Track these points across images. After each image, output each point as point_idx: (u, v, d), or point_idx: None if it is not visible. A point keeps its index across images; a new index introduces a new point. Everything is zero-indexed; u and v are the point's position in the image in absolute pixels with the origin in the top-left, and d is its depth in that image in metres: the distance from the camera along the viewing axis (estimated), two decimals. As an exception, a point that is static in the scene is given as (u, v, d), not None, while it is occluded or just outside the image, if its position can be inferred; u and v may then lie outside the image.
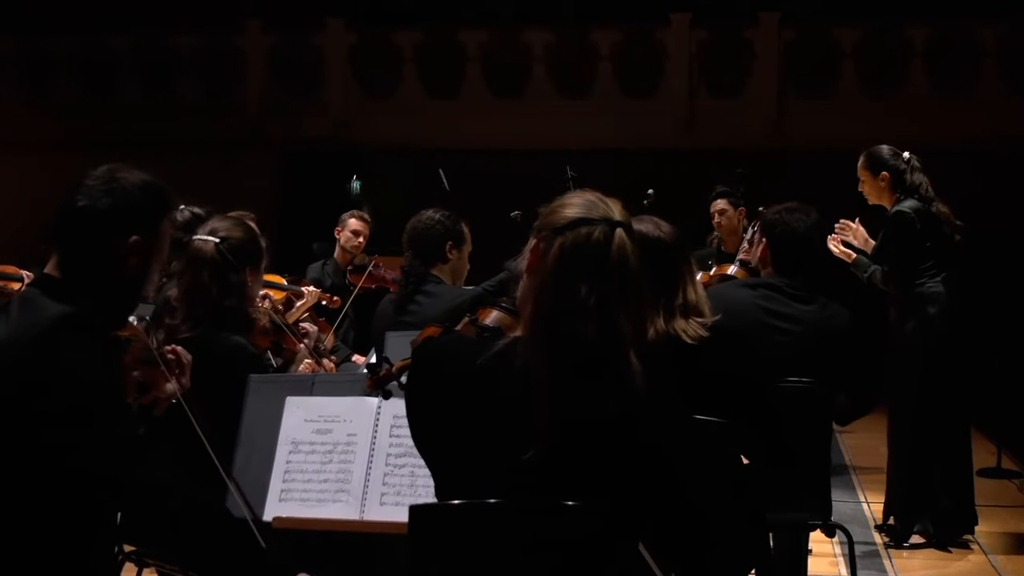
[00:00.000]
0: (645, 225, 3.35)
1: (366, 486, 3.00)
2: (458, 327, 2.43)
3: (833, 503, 6.59)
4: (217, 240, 3.72)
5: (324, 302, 6.66)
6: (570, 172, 7.90)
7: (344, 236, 8.03)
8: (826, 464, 4.17)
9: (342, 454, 3.06)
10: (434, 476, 2.31)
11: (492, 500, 2.17)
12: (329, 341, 6.54)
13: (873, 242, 5.85)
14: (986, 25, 12.34)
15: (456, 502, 2.21)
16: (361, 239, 7.97)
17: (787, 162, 11.58)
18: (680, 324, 3.17)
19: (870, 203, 5.93)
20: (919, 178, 5.81)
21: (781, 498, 3.66)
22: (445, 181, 8.95)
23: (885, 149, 5.88)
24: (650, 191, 7.05)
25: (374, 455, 3.03)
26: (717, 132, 12.34)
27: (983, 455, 7.46)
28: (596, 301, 2.18)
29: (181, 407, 2.69)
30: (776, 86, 12.63)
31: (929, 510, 5.77)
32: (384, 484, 3.00)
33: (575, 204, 2.28)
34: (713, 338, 3.18)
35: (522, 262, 2.29)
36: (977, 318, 6.97)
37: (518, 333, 2.24)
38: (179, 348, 2.77)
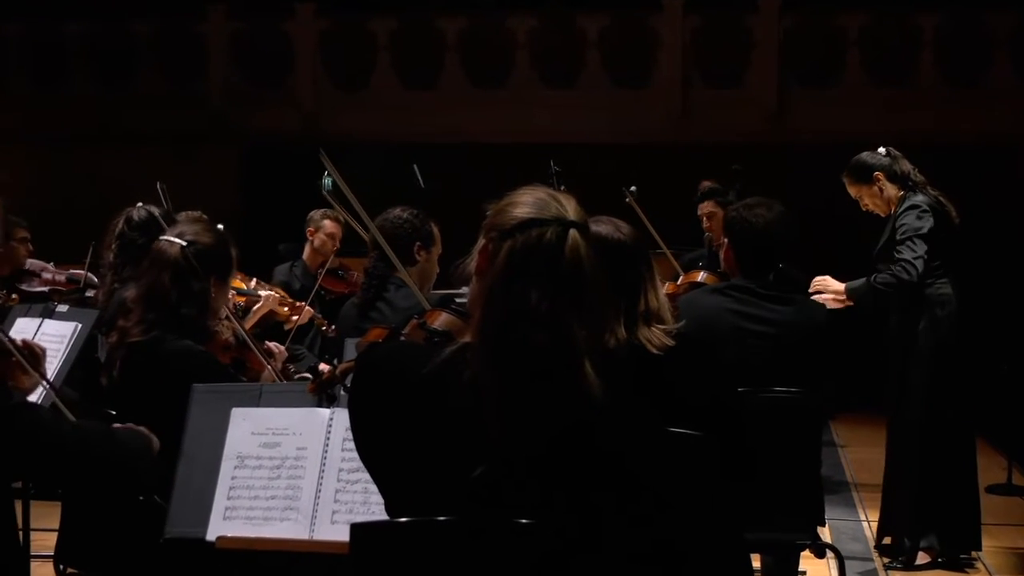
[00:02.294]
0: (603, 227, 3.37)
1: (316, 503, 3.01)
2: (405, 330, 2.44)
3: (831, 521, 6.67)
4: (184, 243, 3.74)
5: (287, 308, 6.65)
6: (554, 167, 7.91)
7: (319, 239, 8.08)
8: (815, 479, 4.19)
9: (291, 469, 3.07)
10: (382, 493, 2.31)
11: (442, 518, 2.17)
12: (305, 316, 6.57)
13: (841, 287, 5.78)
14: (998, 13, 12.37)
15: (403, 520, 2.22)
16: (336, 242, 8.03)
17: (788, 157, 11.62)
18: (644, 333, 3.19)
19: (882, 215, 5.93)
20: (905, 165, 5.87)
21: (763, 515, 3.67)
22: (420, 178, 8.96)
23: (864, 154, 5.95)
24: (632, 188, 7.07)
25: (325, 470, 3.04)
26: (713, 125, 12.35)
27: (993, 470, 7.49)
28: (548, 307, 2.18)
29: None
30: (776, 76, 12.65)
31: (936, 526, 5.78)
32: (336, 501, 3.01)
33: (525, 203, 2.28)
34: (679, 348, 3.20)
35: (471, 264, 2.29)
36: (986, 320, 6.99)
37: (468, 338, 2.24)
38: (30, 341, 2.84)
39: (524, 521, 2.15)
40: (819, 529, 4.40)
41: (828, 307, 5.59)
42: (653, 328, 3.24)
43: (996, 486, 7.44)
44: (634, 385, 2.89)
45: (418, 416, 2.22)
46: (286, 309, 6.57)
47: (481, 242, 2.30)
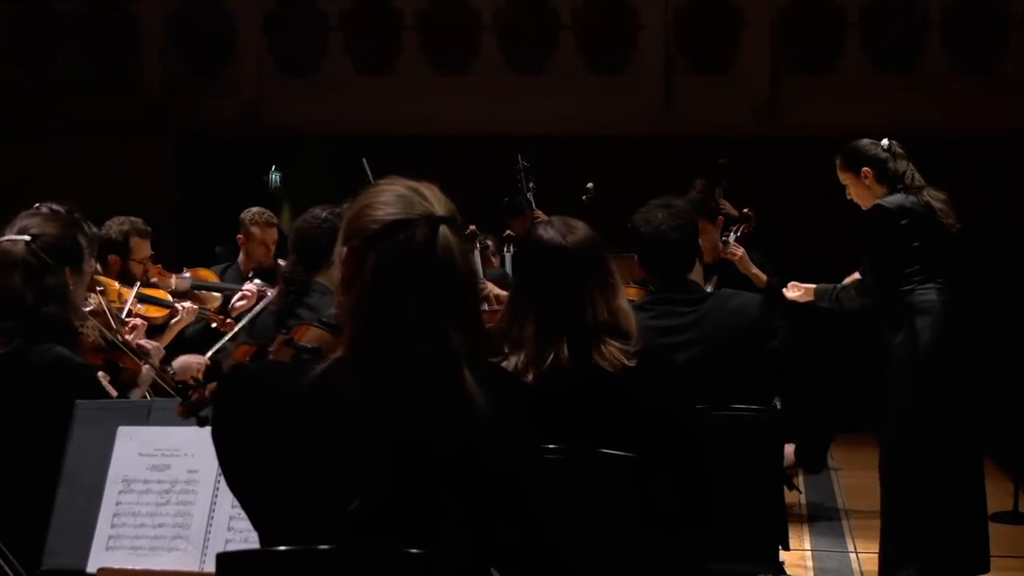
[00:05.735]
0: (549, 230, 3.37)
1: (208, 532, 3.02)
2: (272, 348, 2.45)
3: (816, 552, 6.69)
4: (27, 239, 3.76)
5: (215, 324, 6.63)
6: (522, 161, 7.92)
7: (249, 246, 8.09)
8: (778, 504, 4.19)
9: (181, 494, 3.08)
10: (255, 527, 2.30)
11: (322, 547, 2.17)
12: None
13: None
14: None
15: (280, 548, 2.21)
16: (265, 246, 8.03)
17: (782, 150, 11.64)
18: (595, 350, 3.19)
19: (864, 208, 5.97)
20: (902, 165, 5.87)
21: (718, 544, 3.67)
22: (369, 173, 8.95)
23: (864, 141, 5.99)
24: (589, 185, 7.10)
25: (218, 495, 3.04)
26: (699, 115, 12.37)
27: (999, 496, 7.49)
28: (425, 316, 2.18)
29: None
30: (769, 61, 12.68)
31: (932, 560, 5.78)
32: (229, 529, 3.02)
33: (387, 202, 2.28)
34: (639, 369, 3.20)
35: (334, 272, 2.29)
36: (992, 329, 7.00)
37: (339, 354, 2.23)
38: None
39: (412, 551, 2.15)
40: (805, 561, 4.41)
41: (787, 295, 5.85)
42: (608, 344, 3.23)
43: (1001, 514, 7.44)
44: (585, 406, 2.90)
45: (287, 442, 2.21)
46: (215, 326, 6.53)
47: (343, 250, 2.28)
